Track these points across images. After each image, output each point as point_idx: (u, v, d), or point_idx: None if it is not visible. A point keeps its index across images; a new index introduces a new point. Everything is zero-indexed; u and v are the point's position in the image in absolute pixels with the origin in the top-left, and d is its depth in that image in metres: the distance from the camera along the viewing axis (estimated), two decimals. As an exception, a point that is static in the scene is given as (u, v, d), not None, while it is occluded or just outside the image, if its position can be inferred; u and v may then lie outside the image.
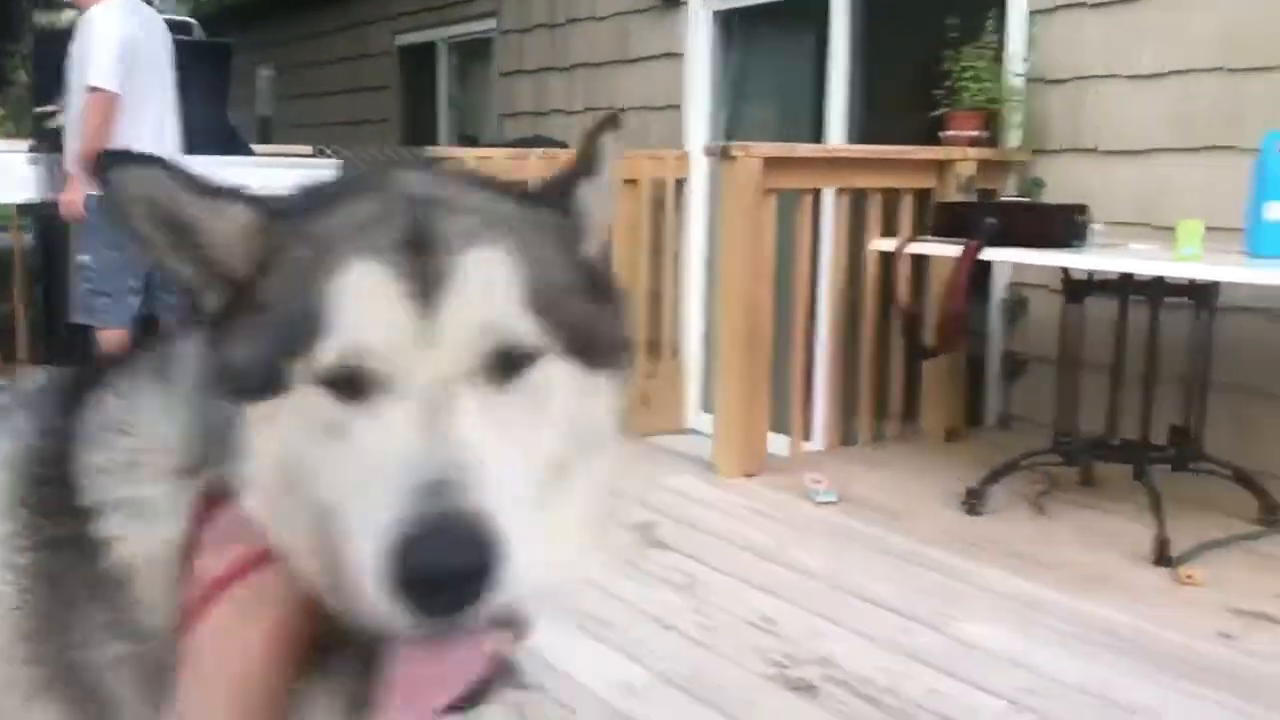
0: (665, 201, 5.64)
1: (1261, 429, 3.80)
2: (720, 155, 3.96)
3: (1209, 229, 3.64)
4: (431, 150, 5.59)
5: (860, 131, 5.23)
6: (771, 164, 3.92)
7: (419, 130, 8.28)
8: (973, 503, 3.62)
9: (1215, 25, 3.88)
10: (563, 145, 6.28)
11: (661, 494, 3.82)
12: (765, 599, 2.90)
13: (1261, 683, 2.48)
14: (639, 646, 2.60)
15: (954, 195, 4.25)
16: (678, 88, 5.99)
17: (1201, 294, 3.54)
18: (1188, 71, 3.97)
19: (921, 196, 4.40)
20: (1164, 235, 3.62)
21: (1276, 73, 3.70)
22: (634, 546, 3.28)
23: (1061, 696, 2.39)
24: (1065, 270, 3.69)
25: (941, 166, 4.35)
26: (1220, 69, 3.87)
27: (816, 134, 5.38)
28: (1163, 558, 3.17)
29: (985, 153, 4.36)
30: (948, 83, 4.34)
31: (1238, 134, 3.78)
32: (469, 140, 7.56)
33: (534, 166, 5.41)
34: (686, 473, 4.09)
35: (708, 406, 4.88)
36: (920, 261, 4.32)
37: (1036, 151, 4.42)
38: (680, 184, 5.78)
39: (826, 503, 3.69)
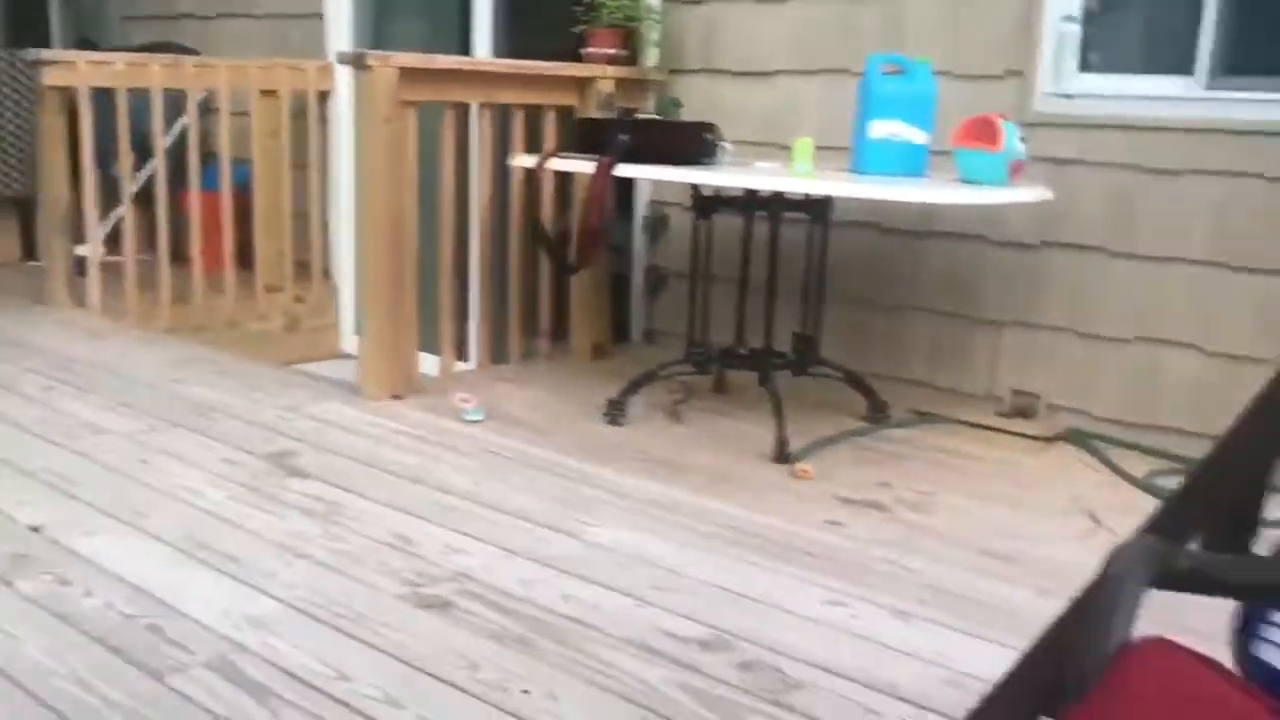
0: (308, 114, 5.39)
1: (870, 335, 4.14)
2: (355, 64, 3.79)
3: (828, 148, 3.88)
4: (41, 54, 5.02)
5: (509, 47, 5.18)
6: (409, 75, 3.80)
7: (25, 30, 7.43)
8: (614, 414, 3.73)
9: (831, -46, 4.11)
10: (194, 52, 5.85)
11: (304, 421, 3.69)
12: (405, 520, 2.87)
13: (862, 564, 2.71)
14: (268, 579, 2.50)
15: (594, 112, 4.30)
16: (318, -5, 5.70)
17: (816, 209, 3.78)
18: (808, -2, 4.19)
19: (565, 113, 4.43)
20: (786, 154, 3.82)
21: (882, 2, 3.96)
22: (269, 476, 3.15)
23: (684, 589, 2.52)
24: (695, 187, 3.83)
25: (583, 84, 4.39)
26: (835, -4, 4.10)
27: (465, 48, 5.28)
28: (781, 456, 3.40)
29: (624, 71, 4.43)
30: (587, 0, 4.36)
31: (851, 58, 4.03)
32: (88, 44, 6.86)
33: (156, 74, 5.01)
34: (333, 398, 3.96)
35: (361, 330, 4.74)
36: (566, 178, 4.36)
37: (674, 71, 4.55)
38: (324, 96, 5.54)
39: (474, 421, 3.69)
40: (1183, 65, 3.57)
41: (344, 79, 5.17)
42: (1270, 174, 3.35)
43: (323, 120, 5.49)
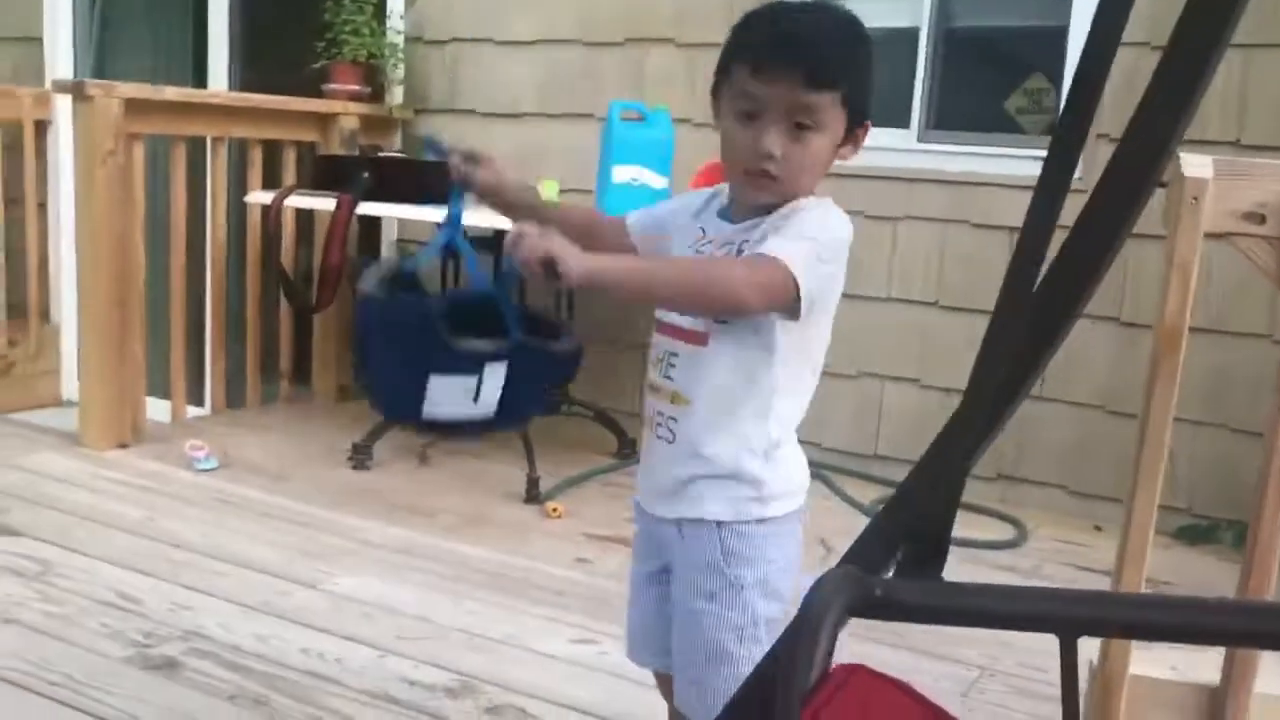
0: (23, 146, 5.01)
1: (620, 373, 4.22)
2: (75, 94, 3.57)
3: (574, 190, 3.95)
4: None
5: (244, 80, 5.01)
6: (135, 106, 3.61)
7: None
8: (359, 458, 3.64)
9: (574, 1, 4.19)
10: (-113, 75, 5.35)
11: (14, 474, 3.41)
12: (129, 577, 2.69)
13: (610, 600, 2.73)
14: (-31, 647, 2.29)
15: (337, 150, 4.21)
16: (35, 17, 5.33)
17: (563, 250, 3.82)
18: (552, 41, 4.25)
19: (307, 150, 4.31)
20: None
21: (622, 48, 4.07)
22: (-27, 535, 2.89)
23: (431, 636, 2.47)
24: (439, 225, 3.80)
25: (324, 120, 4.29)
26: (578, 41, 4.18)
27: (200, 82, 5.07)
28: (533, 496, 3.40)
29: (367, 108, 4.37)
30: (329, 35, 4.27)
31: (594, 102, 4.12)
32: None
33: None
34: (50, 449, 3.68)
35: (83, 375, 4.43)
36: (307, 216, 4.24)
37: (420, 110, 4.51)
38: (41, 127, 5.17)
39: (207, 470, 3.51)
40: (900, 119, 3.84)
41: (64, 109, 4.85)
42: (976, 220, 3.64)
43: (40, 153, 5.12)
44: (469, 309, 1.48)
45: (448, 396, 1.45)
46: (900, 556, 0.95)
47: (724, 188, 1.54)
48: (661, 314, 1.51)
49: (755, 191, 1.43)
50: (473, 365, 1.46)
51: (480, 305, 1.47)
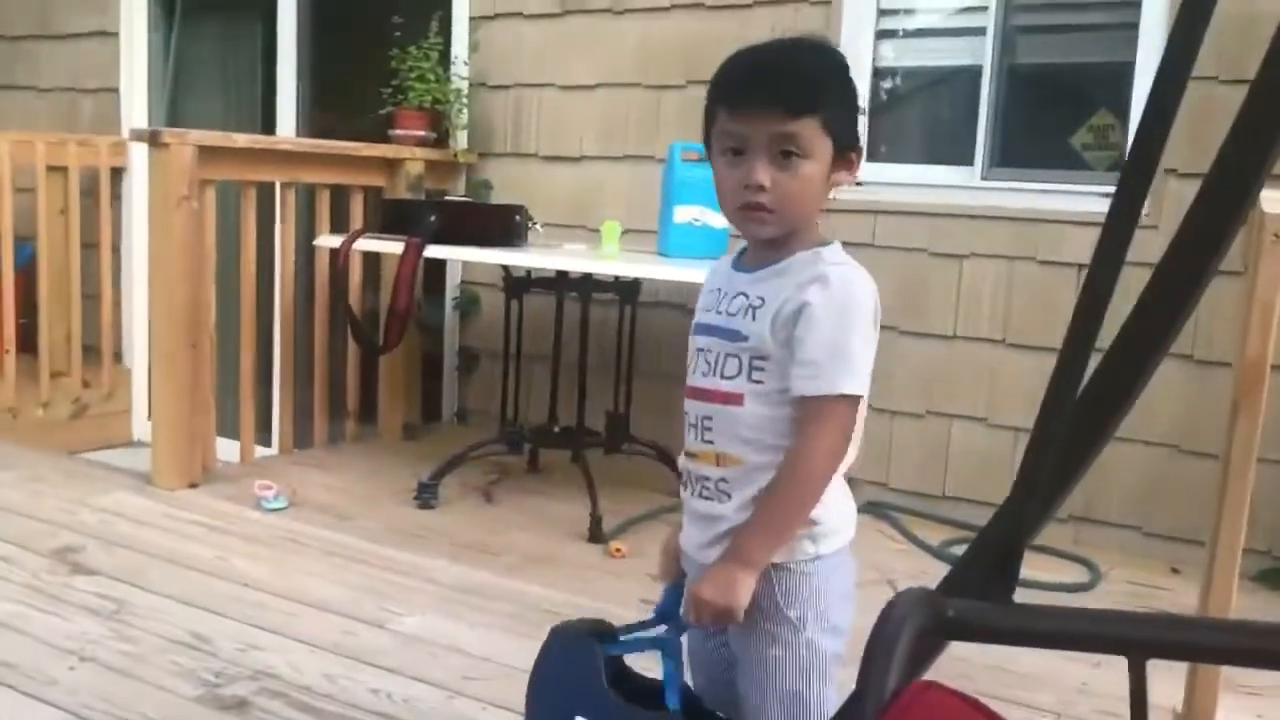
0: (100, 192, 5.15)
1: (678, 411, 4.20)
2: (150, 141, 3.66)
3: (635, 231, 3.97)
4: None
5: (315, 127, 5.12)
6: (207, 153, 3.70)
7: None
8: (424, 497, 3.66)
9: (635, 44, 4.24)
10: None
11: (90, 514, 3.47)
12: (200, 616, 2.72)
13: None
14: (48, 686, 2.32)
15: (403, 193, 4.28)
16: (113, 69, 5.50)
17: (626, 290, 3.84)
18: (614, 85, 4.29)
19: (373, 194, 4.39)
20: (595, 236, 3.89)
21: (683, 90, 4.10)
22: (51, 575, 2.94)
23: (498, 677, 2.47)
24: (505, 268, 3.85)
25: (391, 165, 4.37)
26: (639, 85, 4.22)
27: (269, 128, 5.19)
28: (596, 535, 3.40)
29: (433, 153, 4.44)
30: (395, 82, 4.36)
31: (655, 144, 4.15)
32: None
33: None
34: (123, 488, 3.75)
35: (154, 415, 4.53)
36: (374, 259, 4.31)
37: (483, 154, 4.58)
38: (117, 173, 5.32)
39: (276, 510, 3.56)
40: (963, 157, 3.81)
41: (139, 156, 4.99)
42: (1041, 257, 3.60)
43: (115, 198, 5.27)
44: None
45: None
46: (972, 581, 0.95)
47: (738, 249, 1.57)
48: (693, 379, 1.51)
49: (754, 227, 1.44)
50: None
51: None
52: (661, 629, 1.54)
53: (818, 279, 1.40)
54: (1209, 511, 3.34)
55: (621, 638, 1.49)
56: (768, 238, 1.45)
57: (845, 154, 1.45)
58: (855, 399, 1.39)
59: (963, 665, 2.50)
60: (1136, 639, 0.81)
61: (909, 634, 0.81)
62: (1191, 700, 1.64)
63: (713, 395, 1.46)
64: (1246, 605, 2.92)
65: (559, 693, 1.45)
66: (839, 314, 1.39)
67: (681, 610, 1.42)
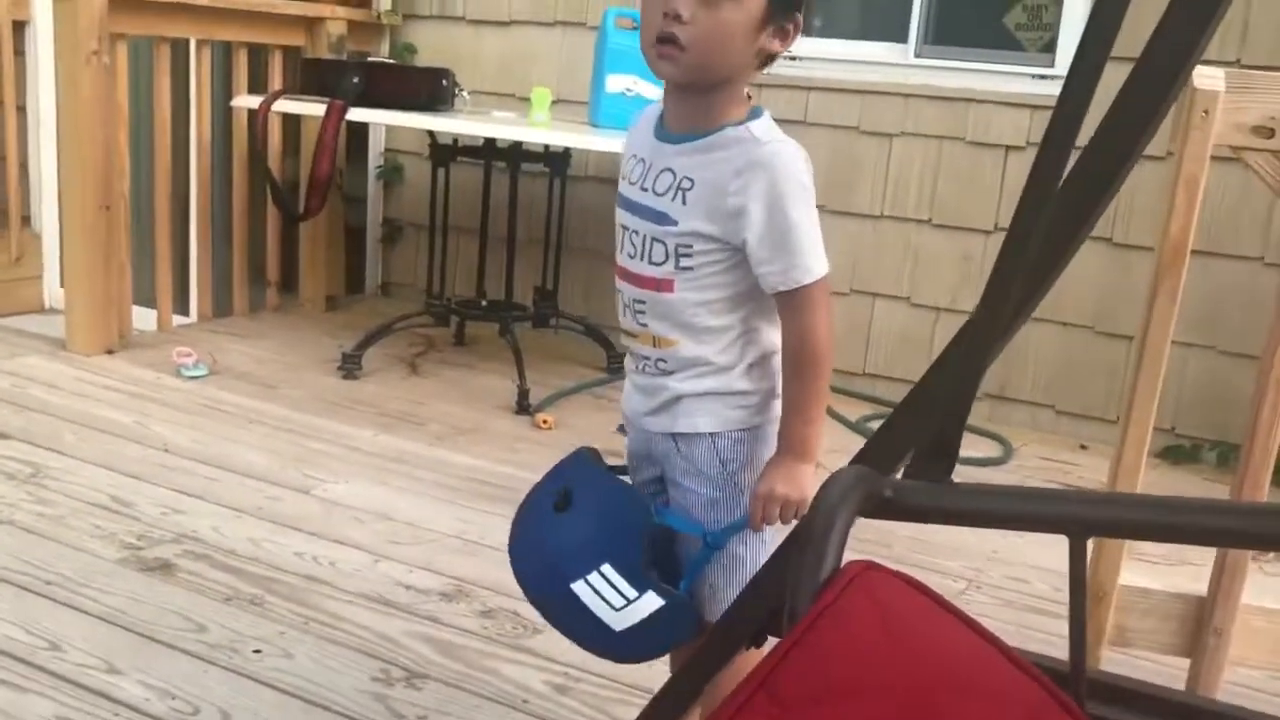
0: (1, 47, 4.89)
1: (607, 288, 4.20)
2: (55, -9, 3.48)
3: (564, 101, 3.89)
4: None
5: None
6: (118, 5, 3.52)
7: None
8: (349, 368, 3.63)
9: (567, -96, 4.09)
10: None
11: (1, 378, 3.39)
12: (120, 480, 2.70)
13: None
14: (-37, 548, 2.29)
15: (324, 54, 4.13)
16: (10, -87, 5.17)
17: (555, 161, 3.78)
18: (545, -53, 4.16)
19: (292, 55, 4.23)
20: (525, 106, 3.80)
21: (618, -45, 3.99)
22: (-38, 438, 2.88)
23: (423, 542, 2.49)
24: (431, 135, 3.76)
25: (311, 24, 4.20)
26: (572, -53, 4.10)
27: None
28: (523, 407, 3.41)
29: (355, 13, 4.29)
30: (316, -65, 4.17)
31: (587, 10, 4.04)
32: None
33: None
34: (36, 353, 3.66)
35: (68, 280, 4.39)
36: (293, 122, 4.18)
37: (408, 16, 4.43)
38: (20, 27, 5.04)
39: (196, 377, 3.50)
40: (898, 34, 3.78)
41: (43, 7, 4.73)
42: (970, 138, 3.62)
43: (18, 53, 5.00)
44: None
45: (599, 591, 1.43)
46: (909, 460, 0.96)
47: (659, 106, 1.49)
48: (620, 258, 1.48)
49: (664, 65, 1.36)
50: (643, 586, 1.44)
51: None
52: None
53: (755, 163, 1.36)
54: (1119, 391, 3.46)
55: (667, 518, 1.49)
56: (676, 81, 1.38)
57: (780, 20, 1.37)
58: (825, 275, 1.39)
59: (880, 533, 2.58)
60: (1076, 518, 0.83)
61: (845, 515, 0.82)
62: (1097, 568, 1.72)
63: (643, 280, 1.44)
64: (1151, 481, 3.04)
65: (593, 542, 1.45)
66: (788, 200, 1.36)
67: (750, 508, 1.42)
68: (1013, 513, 0.90)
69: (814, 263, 1.38)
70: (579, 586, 1.42)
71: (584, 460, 1.53)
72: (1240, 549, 1.64)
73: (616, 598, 1.41)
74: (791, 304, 1.40)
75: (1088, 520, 0.85)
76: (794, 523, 1.44)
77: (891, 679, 0.74)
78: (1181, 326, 1.62)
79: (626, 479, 1.56)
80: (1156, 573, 2.50)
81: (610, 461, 1.54)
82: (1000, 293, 1.07)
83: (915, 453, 1.19)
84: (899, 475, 1.01)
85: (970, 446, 3.36)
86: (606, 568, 1.41)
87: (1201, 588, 1.79)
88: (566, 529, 1.47)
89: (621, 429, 1.67)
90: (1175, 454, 3.41)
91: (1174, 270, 1.60)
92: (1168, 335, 1.64)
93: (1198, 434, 3.42)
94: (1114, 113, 1.04)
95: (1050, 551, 2.65)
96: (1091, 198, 1.07)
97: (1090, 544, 1.84)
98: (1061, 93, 1.00)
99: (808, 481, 1.41)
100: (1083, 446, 3.51)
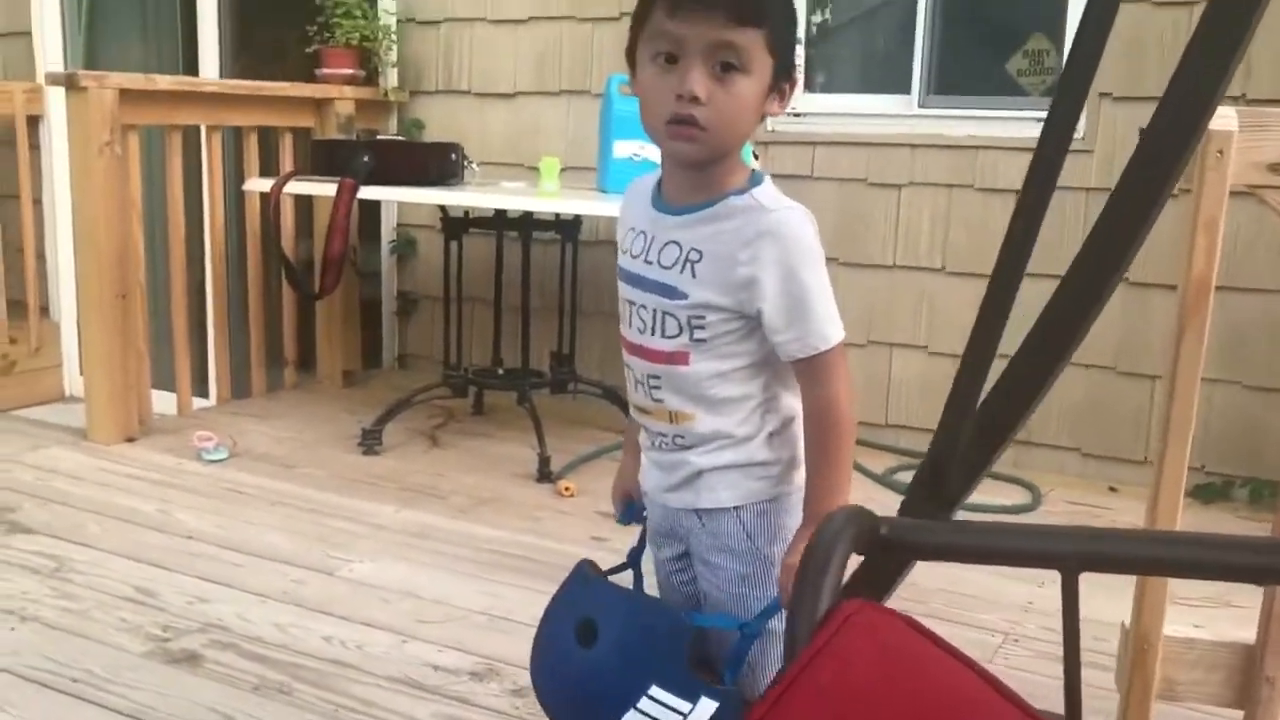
0: (18, 142, 4.96)
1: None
2: (68, 85, 3.53)
3: (573, 168, 3.92)
4: None
5: (236, 67, 4.96)
6: (129, 97, 3.58)
7: None
8: (369, 443, 3.62)
9: (566, -25, 4.15)
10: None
11: (24, 471, 3.39)
12: (145, 570, 2.68)
13: (627, 578, 2.71)
14: (-11, 646, 2.27)
15: (334, 134, 4.18)
16: (22, 10, 5.28)
17: (567, 228, 3.80)
18: (546, 19, 4.21)
19: (302, 136, 4.28)
20: (534, 174, 3.83)
21: (617, 22, 4.03)
22: (-15, 534, 2.88)
23: (451, 619, 2.46)
24: (443, 208, 3.78)
25: (319, 105, 4.26)
26: (572, 18, 4.14)
27: (191, 70, 5.02)
28: (544, 474, 3.39)
29: (362, 92, 4.33)
30: (320, 19, 4.23)
31: (590, 79, 4.09)
32: None
33: None
34: (58, 445, 3.66)
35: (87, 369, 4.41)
36: (305, 202, 4.22)
37: (415, 93, 4.48)
38: (34, 122, 5.13)
39: (217, 461, 3.50)
40: (900, 85, 3.80)
41: (56, 103, 4.81)
42: (979, 185, 3.62)
43: (33, 147, 5.08)
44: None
45: (653, 716, 1.41)
46: (906, 498, 0.95)
47: (655, 174, 1.46)
48: (629, 334, 1.45)
49: (681, 146, 1.32)
50: (694, 695, 1.41)
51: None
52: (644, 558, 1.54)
53: (764, 232, 1.33)
54: (1145, 431, 3.42)
55: (697, 620, 1.45)
56: (694, 160, 1.34)
57: (780, 81, 1.36)
58: (841, 341, 1.37)
59: (910, 589, 2.53)
60: (1067, 552, 0.82)
61: (841, 553, 0.82)
62: (1140, 615, 1.68)
63: (657, 355, 1.41)
64: (1185, 522, 2.99)
65: (634, 667, 1.41)
66: (800, 268, 1.33)
67: (780, 582, 1.39)
68: (1005, 548, 0.89)
69: (830, 329, 1.36)
70: (631, 717, 1.38)
71: (591, 581, 1.49)
72: (1244, 583, 1.61)
73: (672, 715, 1.37)
74: (810, 371, 1.38)
75: (1080, 555, 0.83)
76: None
77: (888, 718, 0.73)
78: (1205, 362, 1.60)
79: (647, 550, 1.54)
80: (1199, 616, 2.45)
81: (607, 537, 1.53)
82: (982, 334, 1.07)
83: (910, 489, 1.18)
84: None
85: (998, 493, 3.34)
86: (655, 690, 1.37)
87: (1248, 634, 1.75)
88: (604, 664, 1.42)
89: (625, 518, 1.64)
90: (1207, 492, 3.36)
91: (1199, 312, 1.58)
92: (1196, 377, 1.61)
93: (1228, 470, 3.37)
94: (1133, 168, 1.03)
95: (1087, 602, 2.60)
96: (1117, 249, 1.06)
97: (1132, 593, 1.80)
98: (1039, 143, 1.00)
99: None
100: (1112, 489, 3.46)
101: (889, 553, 0.88)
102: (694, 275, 1.37)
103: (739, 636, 1.40)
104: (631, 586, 1.54)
